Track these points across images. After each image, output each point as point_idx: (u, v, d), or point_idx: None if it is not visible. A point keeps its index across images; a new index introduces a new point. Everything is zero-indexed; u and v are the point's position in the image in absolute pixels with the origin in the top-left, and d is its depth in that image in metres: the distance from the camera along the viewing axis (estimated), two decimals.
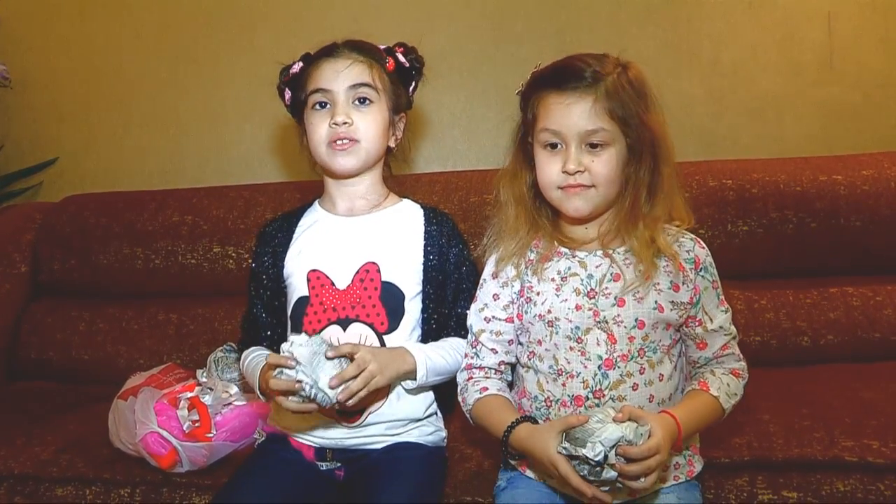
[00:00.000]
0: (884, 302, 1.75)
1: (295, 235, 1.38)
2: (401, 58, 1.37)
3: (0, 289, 2.02)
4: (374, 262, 1.29)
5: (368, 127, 1.29)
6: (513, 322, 1.24)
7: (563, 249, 1.20)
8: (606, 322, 1.14)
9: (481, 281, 1.28)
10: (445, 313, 1.33)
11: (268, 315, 1.37)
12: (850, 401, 1.44)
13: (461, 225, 1.82)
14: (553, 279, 1.19)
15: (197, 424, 1.37)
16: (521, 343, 1.25)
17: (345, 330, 1.26)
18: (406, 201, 1.41)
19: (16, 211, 2.17)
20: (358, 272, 1.29)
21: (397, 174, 1.47)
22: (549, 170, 1.15)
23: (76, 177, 2.30)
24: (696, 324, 1.19)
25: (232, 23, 2.21)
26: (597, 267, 1.17)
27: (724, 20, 2.09)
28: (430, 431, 1.32)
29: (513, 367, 1.29)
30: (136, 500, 1.40)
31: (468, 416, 1.26)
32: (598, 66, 1.13)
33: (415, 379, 1.24)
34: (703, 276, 1.18)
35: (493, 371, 1.26)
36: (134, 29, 2.26)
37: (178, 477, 1.38)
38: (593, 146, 1.13)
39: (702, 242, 1.21)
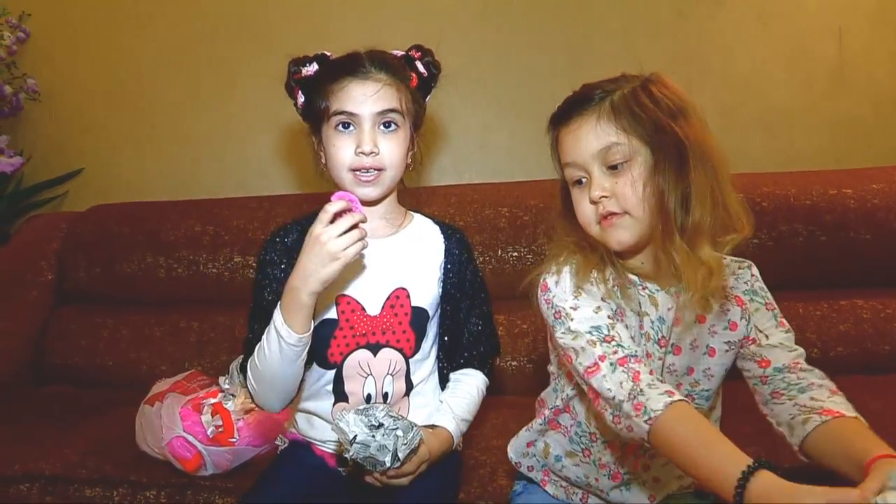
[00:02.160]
0: (893, 315, 1.77)
1: None
2: (420, 67, 1.31)
3: (27, 296, 2.08)
4: (403, 288, 1.28)
5: (394, 153, 1.23)
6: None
7: (633, 277, 1.08)
8: (660, 370, 1.07)
9: (571, 296, 1.07)
10: (459, 330, 1.34)
11: None
12: (862, 414, 1.45)
13: (476, 238, 1.88)
14: (639, 313, 1.07)
15: (220, 430, 1.40)
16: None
17: (375, 355, 1.27)
18: (419, 218, 1.37)
19: (43, 220, 2.23)
20: (388, 298, 1.27)
21: (412, 186, 1.46)
22: (582, 207, 1.06)
23: (101, 187, 2.35)
24: (749, 342, 1.09)
25: (250, 36, 2.26)
26: (668, 310, 1.06)
27: (734, 34, 2.11)
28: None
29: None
30: (162, 501, 1.43)
31: (648, 431, 0.93)
32: (610, 86, 1.05)
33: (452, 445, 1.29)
34: (752, 300, 1.10)
35: (650, 364, 1.05)
36: (156, 43, 2.31)
37: (202, 480, 1.42)
38: (614, 168, 1.02)
39: (755, 270, 1.13)
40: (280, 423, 1.45)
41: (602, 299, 1.06)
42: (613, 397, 0.97)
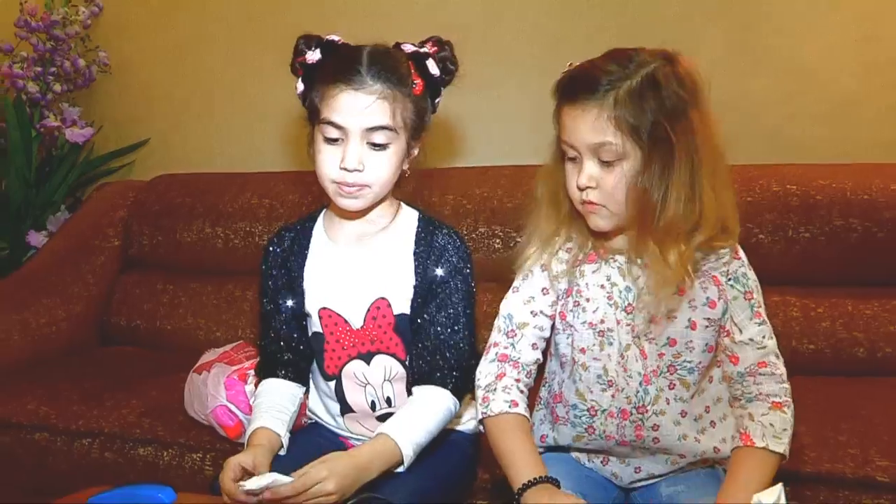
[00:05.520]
0: None
1: (307, 263, 1.29)
2: (432, 67, 1.21)
3: (96, 260, 2.19)
4: (384, 298, 1.23)
5: (381, 171, 1.17)
6: (553, 320, 1.19)
7: (605, 254, 1.15)
8: (639, 338, 1.12)
9: (526, 272, 1.18)
10: (423, 335, 1.23)
11: (288, 335, 1.30)
12: (893, 419, 1.42)
13: (486, 227, 1.87)
14: (603, 286, 1.14)
15: None
16: (556, 344, 1.20)
17: (369, 364, 1.26)
18: (406, 214, 1.29)
19: (111, 188, 2.33)
20: (369, 310, 1.24)
21: (417, 169, 1.30)
22: (571, 182, 1.10)
23: (165, 157, 2.44)
24: (724, 334, 1.13)
25: (313, 12, 2.27)
26: (636, 279, 1.12)
27: (801, 18, 2.03)
28: (465, 419, 1.34)
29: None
30: (206, 464, 1.51)
31: (482, 420, 1.15)
32: (620, 73, 1.03)
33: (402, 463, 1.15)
34: (732, 286, 1.12)
35: (524, 373, 1.17)
36: (221, 17, 2.37)
37: (242, 446, 1.42)
38: (606, 162, 1.05)
39: (740, 253, 1.14)
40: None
41: (552, 278, 1.16)
42: (478, 381, 1.18)
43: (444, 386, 1.21)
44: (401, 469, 1.15)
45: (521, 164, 2.00)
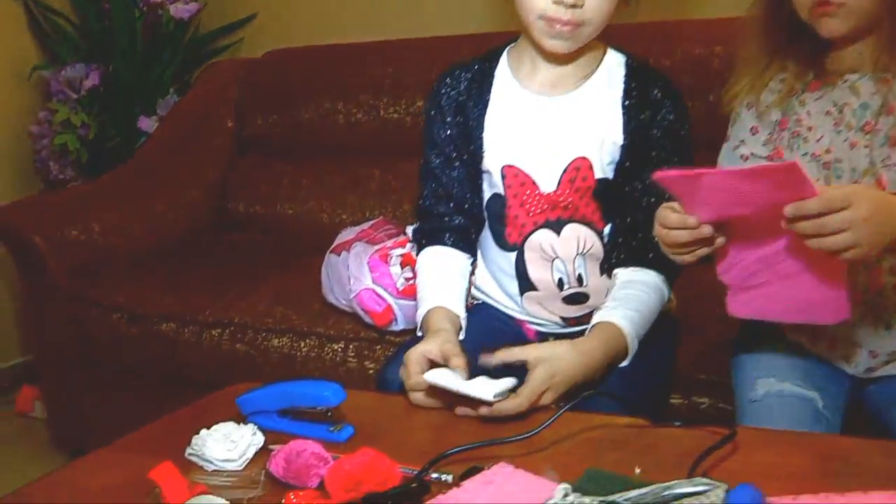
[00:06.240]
0: None
1: (490, 111, 1.12)
2: None
3: (209, 145, 2.12)
4: (584, 158, 1.07)
5: (603, 7, 1.02)
6: (772, 160, 1.04)
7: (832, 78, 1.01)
8: (874, 165, 0.98)
9: (734, 115, 1.07)
10: (632, 205, 1.08)
11: (461, 195, 1.13)
12: None
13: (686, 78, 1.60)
14: (829, 112, 1.00)
15: (411, 281, 1.32)
16: None
17: (559, 234, 1.09)
18: (612, 58, 1.12)
19: (221, 67, 2.24)
20: (566, 171, 1.08)
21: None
22: None
23: (275, 32, 2.30)
24: None
25: None
26: (872, 95, 0.98)
27: None
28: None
29: None
30: (350, 355, 1.43)
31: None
32: None
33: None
34: None
35: None
36: None
37: (392, 335, 1.39)
38: None
39: None
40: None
41: (760, 113, 1.04)
42: None
43: (659, 270, 1.05)
44: (624, 364, 1.01)
45: None
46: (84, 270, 1.71)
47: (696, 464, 0.69)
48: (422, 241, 1.17)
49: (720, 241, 0.87)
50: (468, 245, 1.14)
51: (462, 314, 1.07)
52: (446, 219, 1.14)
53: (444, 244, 1.13)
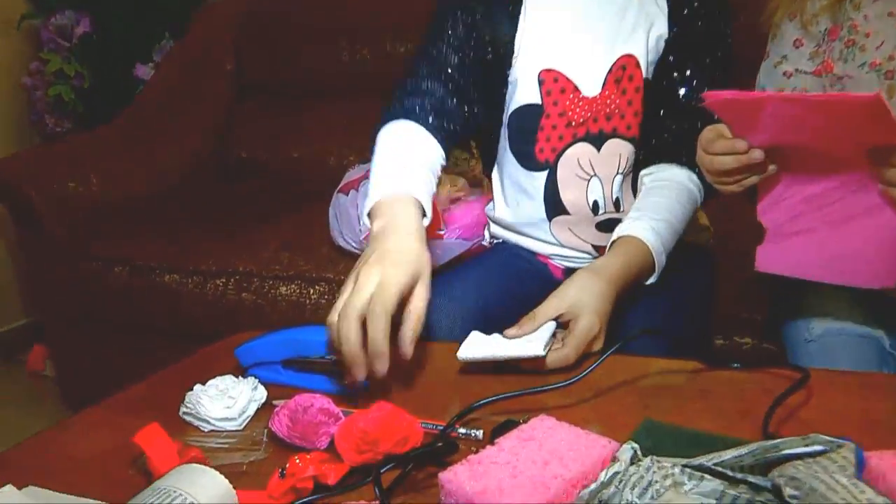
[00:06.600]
0: None
1: (525, 9, 1.00)
2: None
3: (208, 89, 2.05)
4: (630, 56, 0.97)
5: None
6: (821, 76, 0.96)
7: None
8: None
9: (774, 30, 0.98)
10: (671, 95, 0.99)
11: (466, 87, 0.98)
12: None
13: None
14: (892, 13, 0.90)
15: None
16: None
17: (599, 150, 0.98)
18: None
19: (216, 9, 2.19)
20: (612, 70, 0.97)
21: None
22: None
23: None
24: None
25: None
26: None
27: None
28: (694, 232, 1.06)
29: None
30: None
31: None
32: None
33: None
34: None
35: None
36: None
37: None
38: None
39: None
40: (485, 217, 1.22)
41: (804, 23, 0.95)
42: None
43: (692, 168, 0.94)
44: (651, 280, 0.91)
45: None
46: (83, 224, 1.65)
47: (770, 412, 0.59)
48: (391, 113, 0.96)
49: (772, 168, 0.76)
50: (445, 143, 0.96)
51: (429, 211, 0.85)
52: (435, 97, 0.95)
53: (419, 123, 0.94)
